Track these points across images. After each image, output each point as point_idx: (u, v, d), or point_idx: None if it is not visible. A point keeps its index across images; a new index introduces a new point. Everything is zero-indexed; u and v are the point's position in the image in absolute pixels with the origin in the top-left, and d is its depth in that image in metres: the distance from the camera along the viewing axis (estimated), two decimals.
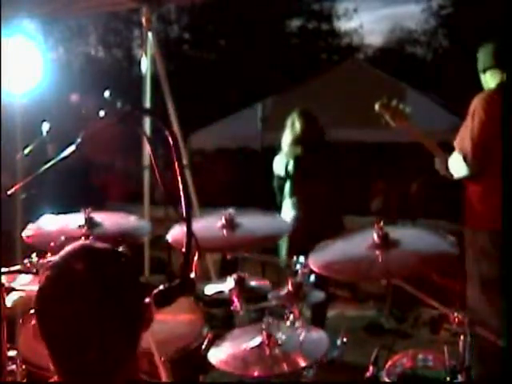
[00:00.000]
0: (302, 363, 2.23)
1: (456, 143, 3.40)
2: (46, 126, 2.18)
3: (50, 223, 2.74)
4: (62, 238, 2.18)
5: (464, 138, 3.35)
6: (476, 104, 3.34)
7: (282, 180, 4.69)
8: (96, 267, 1.31)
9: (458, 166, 3.39)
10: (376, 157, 10.93)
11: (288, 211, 4.64)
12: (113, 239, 2.67)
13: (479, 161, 3.31)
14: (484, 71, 3.50)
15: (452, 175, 3.46)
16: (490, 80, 3.48)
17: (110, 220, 2.77)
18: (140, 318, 1.36)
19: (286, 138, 4.67)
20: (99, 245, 1.39)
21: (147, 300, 1.40)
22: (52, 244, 2.29)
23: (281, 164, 4.66)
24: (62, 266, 1.32)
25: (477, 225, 3.41)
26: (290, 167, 4.60)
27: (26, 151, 2.31)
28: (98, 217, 2.70)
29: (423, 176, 9.42)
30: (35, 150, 2.32)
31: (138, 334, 1.37)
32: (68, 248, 1.36)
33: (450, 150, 3.48)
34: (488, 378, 3.03)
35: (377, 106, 3.50)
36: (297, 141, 4.60)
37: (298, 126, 4.61)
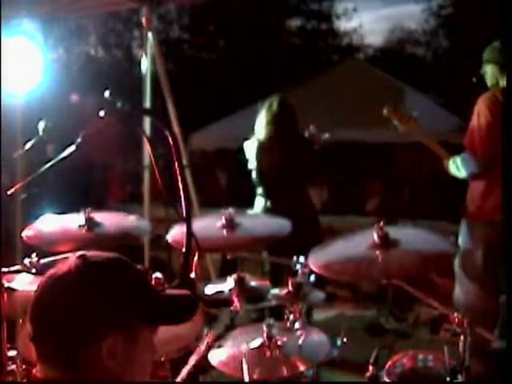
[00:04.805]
0: (302, 367, 2.24)
1: (465, 143, 3.51)
2: (41, 125, 2.18)
3: (50, 223, 2.74)
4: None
5: (473, 137, 3.45)
6: (481, 104, 3.45)
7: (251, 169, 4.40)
8: (91, 273, 1.33)
9: (467, 165, 3.48)
10: (375, 157, 10.93)
11: (258, 201, 4.40)
12: (113, 239, 2.68)
13: (488, 159, 3.41)
14: (488, 62, 3.55)
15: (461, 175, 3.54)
16: (491, 73, 3.53)
17: (109, 220, 2.76)
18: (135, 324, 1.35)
19: (261, 120, 4.38)
20: (97, 253, 1.40)
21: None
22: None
23: (250, 149, 4.38)
24: (58, 274, 1.34)
25: (478, 218, 3.49)
26: (256, 152, 4.30)
27: (26, 147, 2.32)
28: (98, 217, 2.70)
29: (419, 176, 9.43)
30: (35, 150, 2.32)
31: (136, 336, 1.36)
32: (66, 258, 1.38)
33: (452, 150, 3.56)
34: (488, 378, 3.03)
35: (385, 111, 3.60)
36: (272, 122, 4.31)
37: (275, 106, 4.34)
